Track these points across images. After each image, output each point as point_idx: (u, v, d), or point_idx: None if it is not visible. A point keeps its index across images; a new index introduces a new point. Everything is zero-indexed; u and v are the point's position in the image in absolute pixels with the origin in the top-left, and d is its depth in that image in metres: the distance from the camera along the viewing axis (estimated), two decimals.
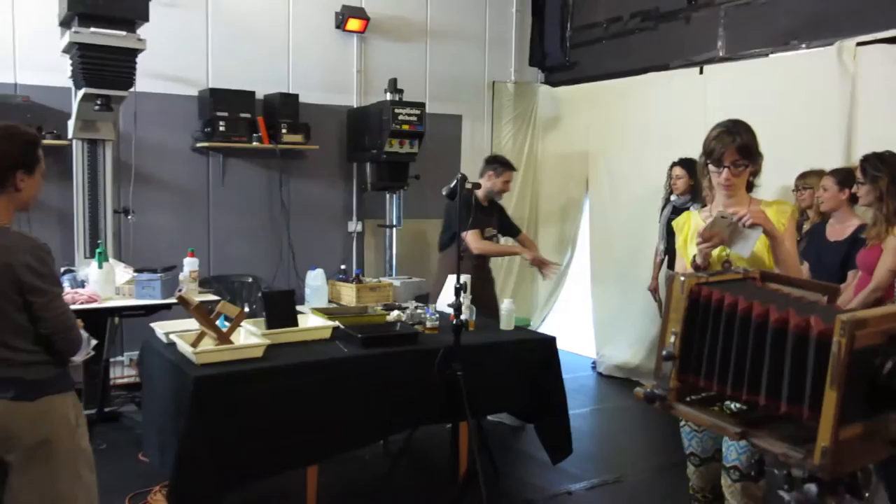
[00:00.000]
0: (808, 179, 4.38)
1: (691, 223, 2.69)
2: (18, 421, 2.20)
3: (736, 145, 2.46)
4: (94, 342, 2.48)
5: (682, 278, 1.54)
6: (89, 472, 2.39)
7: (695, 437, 2.66)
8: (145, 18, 4.12)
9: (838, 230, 3.73)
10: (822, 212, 3.94)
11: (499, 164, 4.89)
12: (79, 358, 2.39)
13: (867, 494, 1.35)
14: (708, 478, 2.64)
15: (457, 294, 3.59)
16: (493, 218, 4.96)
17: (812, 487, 1.39)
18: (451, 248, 4.66)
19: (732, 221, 2.30)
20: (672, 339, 1.55)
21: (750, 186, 2.58)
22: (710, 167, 2.53)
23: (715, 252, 2.42)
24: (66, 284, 4.12)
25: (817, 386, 1.32)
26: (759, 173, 2.57)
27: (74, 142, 4.55)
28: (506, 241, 5.41)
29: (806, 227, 4.42)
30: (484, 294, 4.67)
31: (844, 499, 1.38)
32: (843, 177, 3.68)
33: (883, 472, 3.00)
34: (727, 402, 1.62)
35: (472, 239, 4.67)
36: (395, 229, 6.18)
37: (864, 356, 1.28)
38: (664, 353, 1.55)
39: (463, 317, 3.59)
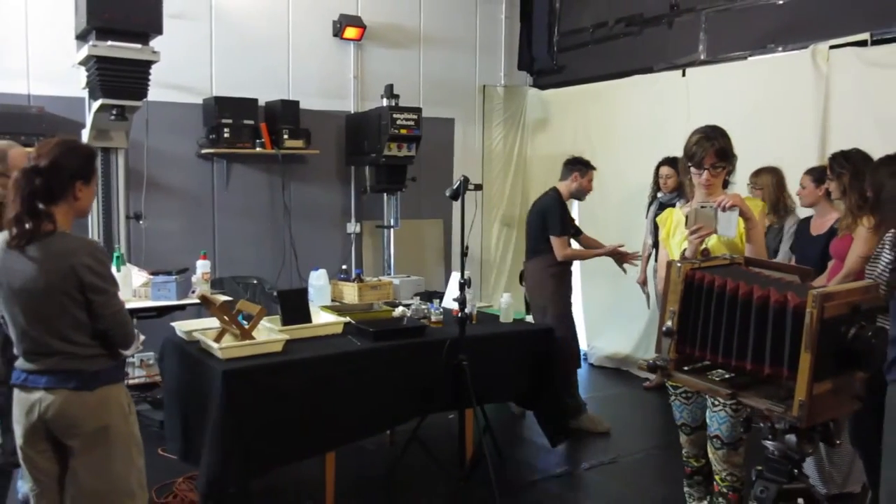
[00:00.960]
0: (759, 178, 4.55)
1: (673, 218, 3.02)
2: (80, 409, 2.38)
3: (714, 149, 2.77)
4: (142, 337, 2.66)
5: (679, 264, 1.79)
6: (139, 456, 2.57)
7: (685, 409, 2.96)
8: (159, 32, 4.31)
9: (819, 224, 3.95)
10: (803, 206, 4.17)
11: (582, 164, 5.05)
12: (131, 351, 2.57)
13: (838, 442, 1.60)
14: (699, 443, 2.95)
15: (461, 288, 3.84)
16: None
17: (792, 437, 1.64)
18: (540, 257, 4.92)
19: (713, 208, 2.60)
20: (671, 317, 1.79)
21: (726, 184, 2.90)
22: (692, 169, 2.83)
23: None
24: None
25: (794, 350, 1.57)
26: (733, 172, 2.90)
27: None
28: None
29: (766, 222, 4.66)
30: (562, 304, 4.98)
31: (819, 446, 1.62)
32: (819, 174, 3.92)
33: (858, 443, 3.25)
34: (717, 371, 1.87)
35: (558, 245, 4.83)
36: (392, 230, 6.39)
37: (832, 324, 1.53)
38: (664, 329, 1.80)
39: (467, 310, 3.83)
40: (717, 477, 2.85)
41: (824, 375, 1.55)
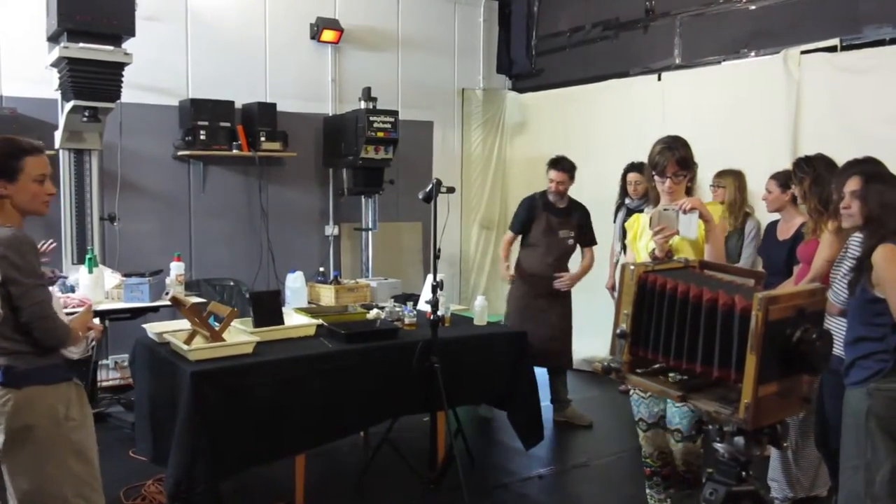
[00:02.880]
0: (722, 179, 4.65)
1: (640, 223, 3.17)
2: (4, 405, 2.35)
3: (675, 158, 2.95)
4: (92, 336, 2.61)
5: (632, 267, 1.81)
6: (82, 464, 2.50)
7: (642, 403, 3.11)
8: (131, 34, 4.30)
9: (785, 229, 3.99)
10: (769, 212, 4.22)
11: (547, 164, 5.11)
12: (75, 353, 2.51)
13: (785, 444, 1.62)
14: (655, 442, 3.11)
15: (433, 291, 3.84)
16: (570, 220, 5.04)
17: (740, 439, 1.66)
18: (523, 249, 5.05)
19: (675, 210, 2.78)
20: (624, 319, 1.81)
21: (689, 191, 3.05)
22: (656, 177, 3.02)
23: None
24: (56, 290, 4.28)
25: (741, 353, 1.59)
26: (695, 179, 3.07)
27: (61, 152, 4.70)
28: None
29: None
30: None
31: (767, 448, 1.64)
32: (785, 179, 3.96)
33: (824, 447, 3.29)
34: (671, 374, 1.89)
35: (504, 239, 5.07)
36: (370, 232, 6.39)
37: (777, 327, 1.56)
38: (618, 331, 1.82)
39: (440, 312, 3.84)
40: (678, 463, 3.05)
41: (770, 378, 1.57)
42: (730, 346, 1.62)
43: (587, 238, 5.10)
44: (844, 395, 2.54)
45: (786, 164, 4.86)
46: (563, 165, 4.95)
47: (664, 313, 1.76)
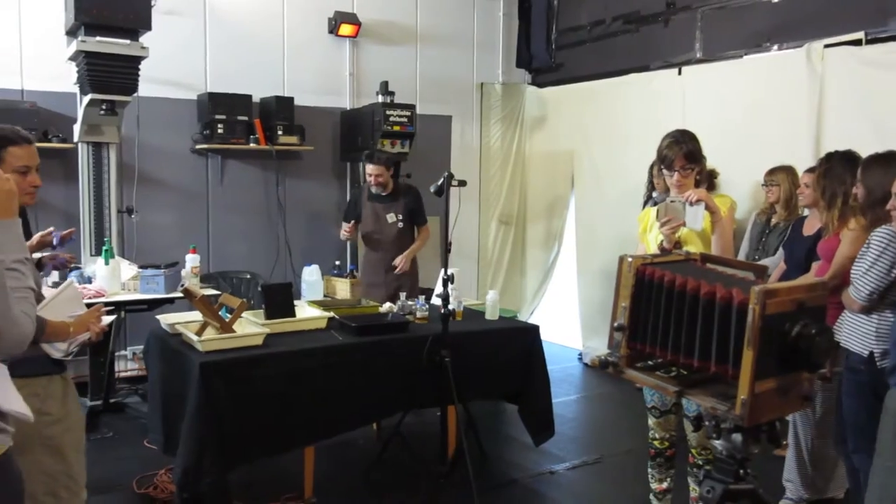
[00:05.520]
0: (775, 176, 4.60)
1: (650, 216, 3.19)
2: None
3: (683, 152, 2.98)
4: (82, 338, 2.41)
5: (630, 259, 1.77)
6: (54, 460, 2.40)
7: (656, 393, 3.13)
8: (148, 27, 4.33)
9: (812, 224, 3.91)
10: (803, 205, 4.14)
11: (363, 157, 5.09)
12: (57, 352, 2.36)
13: (784, 443, 1.58)
14: (666, 427, 3.19)
15: (444, 285, 3.83)
16: (397, 203, 4.99)
17: (737, 436, 1.63)
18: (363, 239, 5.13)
19: (681, 202, 2.82)
20: (622, 312, 1.78)
21: (697, 184, 3.06)
22: (664, 171, 3.07)
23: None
24: (74, 280, 4.33)
25: (739, 348, 1.56)
26: (703, 172, 3.09)
27: (80, 145, 4.76)
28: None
29: (773, 220, 4.66)
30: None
31: (765, 446, 1.61)
32: None
33: (841, 447, 3.21)
34: (671, 368, 1.86)
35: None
36: None
37: (775, 321, 1.52)
38: (615, 324, 1.79)
39: (450, 306, 3.82)
40: (693, 450, 3.07)
41: (768, 374, 1.53)
42: (727, 341, 1.59)
43: (419, 219, 5.08)
44: (887, 395, 2.49)
45: (808, 161, 4.78)
46: (378, 158, 4.89)
47: (662, 306, 1.73)
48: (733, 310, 1.57)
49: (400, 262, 4.94)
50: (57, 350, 2.37)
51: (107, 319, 2.54)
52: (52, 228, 3.48)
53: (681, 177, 2.99)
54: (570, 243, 7.03)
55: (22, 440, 2.25)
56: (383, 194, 4.96)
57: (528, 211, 7.44)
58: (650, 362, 1.84)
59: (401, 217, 4.98)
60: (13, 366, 2.22)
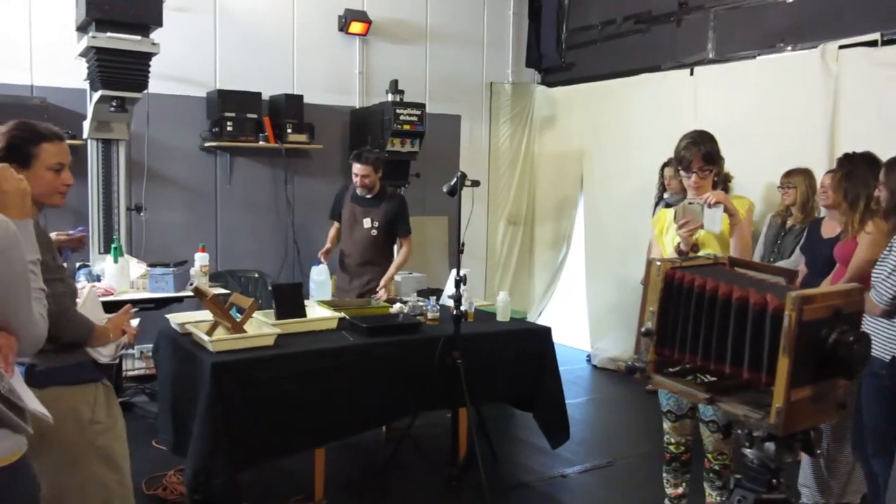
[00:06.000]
0: (792, 178, 4.56)
1: (666, 218, 3.16)
2: None
3: (701, 154, 2.94)
4: (123, 347, 2.42)
5: (658, 263, 1.73)
6: (109, 470, 2.33)
7: (672, 397, 3.12)
8: (159, 24, 4.30)
9: (831, 227, 3.87)
10: (824, 206, 4.10)
11: (351, 156, 4.78)
12: (104, 356, 2.33)
13: (819, 451, 1.54)
14: (682, 431, 3.16)
15: (456, 286, 3.79)
16: (377, 209, 4.73)
17: (770, 445, 1.59)
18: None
19: (700, 204, 2.80)
20: (650, 317, 1.74)
21: (715, 185, 3.03)
22: (681, 172, 3.02)
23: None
24: (81, 278, 4.31)
25: (773, 355, 1.52)
26: (721, 173, 3.09)
27: (89, 141, 4.73)
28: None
29: (789, 223, 4.62)
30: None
31: (799, 455, 1.57)
32: None
33: (861, 452, 3.18)
34: (699, 374, 1.82)
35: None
36: None
37: (812, 328, 1.48)
38: (643, 329, 1.75)
39: (462, 308, 3.78)
40: (709, 455, 3.07)
41: (803, 381, 1.49)
42: (761, 348, 1.55)
43: (401, 229, 4.80)
44: None
45: (822, 162, 4.75)
46: (366, 158, 4.62)
47: (692, 311, 1.69)
48: (767, 315, 1.53)
49: (382, 289, 4.66)
50: (102, 355, 2.32)
51: (135, 321, 2.50)
52: (81, 228, 3.45)
53: (698, 178, 2.95)
54: (579, 244, 6.99)
55: (76, 453, 2.25)
56: (367, 196, 4.72)
57: (536, 211, 7.41)
58: (678, 368, 1.80)
59: (377, 224, 4.69)
60: (62, 372, 2.24)
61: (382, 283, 4.73)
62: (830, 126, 4.85)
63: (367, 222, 4.71)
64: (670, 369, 1.82)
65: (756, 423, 1.54)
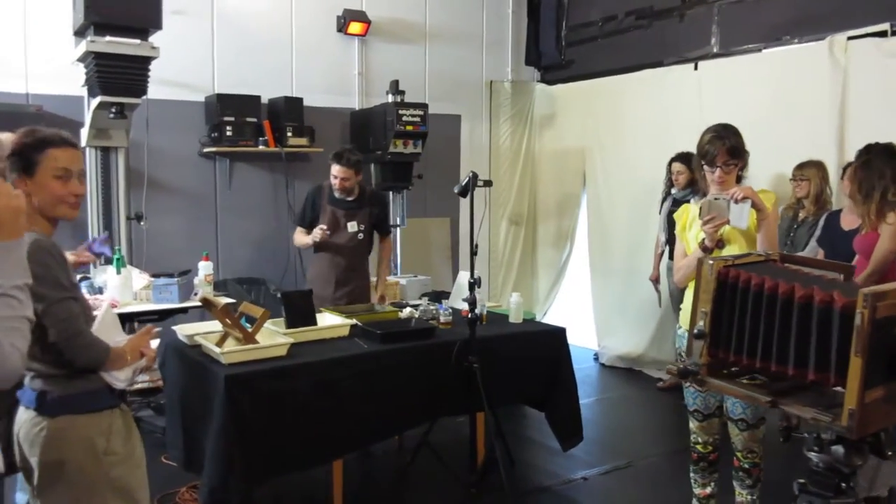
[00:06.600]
0: (805, 171, 4.52)
1: (689, 213, 3.10)
2: (36, 436, 2.08)
3: (726, 148, 2.88)
4: (141, 365, 2.26)
5: (711, 262, 1.66)
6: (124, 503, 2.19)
7: (699, 396, 3.07)
8: (158, 27, 4.21)
9: (851, 219, 3.81)
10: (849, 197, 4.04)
11: (330, 157, 4.50)
12: (121, 381, 2.18)
13: (890, 454, 1.47)
14: (709, 430, 3.13)
15: (471, 289, 3.72)
16: (362, 212, 4.54)
17: (839, 448, 1.52)
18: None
19: (726, 199, 2.74)
20: (702, 318, 1.66)
21: (739, 179, 2.98)
22: (705, 167, 2.94)
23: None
24: (84, 291, 4.20)
25: (842, 355, 1.45)
26: (746, 167, 2.99)
27: (88, 149, 4.62)
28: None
29: (801, 215, 4.57)
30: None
31: (868, 458, 1.50)
32: None
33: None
34: (750, 375, 1.75)
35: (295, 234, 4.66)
36: (399, 229, 6.27)
37: (884, 326, 1.40)
38: (695, 331, 1.67)
39: (477, 310, 3.71)
40: (738, 454, 3.03)
41: (876, 382, 1.42)
42: (828, 347, 1.47)
43: (384, 228, 4.72)
44: None
45: (831, 157, 4.70)
46: (346, 160, 4.37)
47: (748, 311, 1.61)
48: (834, 314, 1.46)
49: (381, 294, 4.59)
50: (117, 380, 2.17)
51: (155, 343, 2.38)
52: (86, 245, 3.34)
53: (723, 173, 2.89)
54: (583, 242, 6.93)
55: (89, 485, 2.10)
56: (349, 199, 4.49)
57: (538, 210, 7.34)
58: (732, 370, 1.72)
59: (363, 227, 4.52)
60: (75, 400, 2.09)
61: (380, 287, 4.65)
62: (839, 118, 4.79)
63: (352, 226, 4.50)
64: (723, 371, 1.74)
65: (827, 426, 1.46)
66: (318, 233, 4.37)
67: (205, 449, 3.11)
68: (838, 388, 1.48)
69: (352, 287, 4.55)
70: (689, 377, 1.67)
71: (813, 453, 1.55)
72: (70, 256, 3.01)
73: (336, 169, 4.41)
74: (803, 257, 1.97)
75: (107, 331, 2.22)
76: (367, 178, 6.20)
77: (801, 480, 1.58)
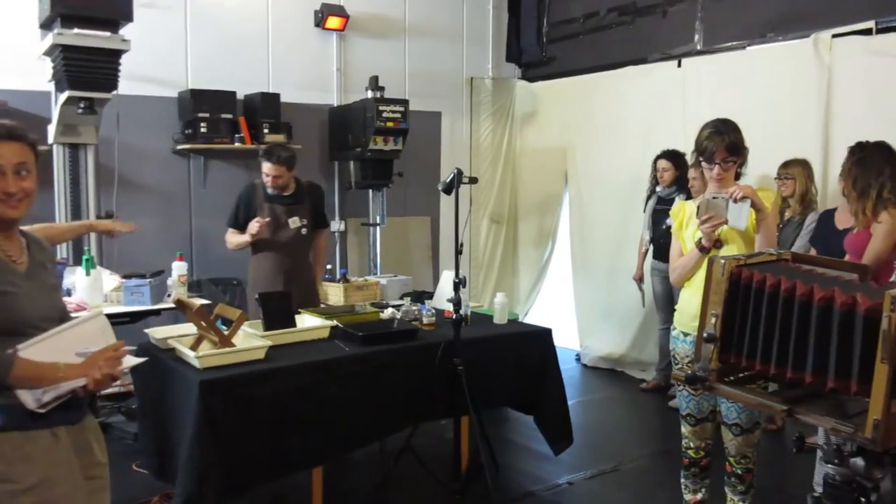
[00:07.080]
0: (790, 169, 4.47)
1: (686, 211, 3.01)
2: None
3: (725, 144, 2.79)
4: (77, 385, 1.92)
5: (723, 261, 1.57)
6: None
7: (692, 400, 2.99)
8: (129, 19, 4.04)
9: (846, 218, 3.75)
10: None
11: (261, 154, 4.37)
12: (30, 401, 1.87)
13: None
14: (701, 435, 3.04)
15: (456, 289, 3.61)
16: (302, 206, 4.42)
17: (859, 461, 1.43)
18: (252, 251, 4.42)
19: (725, 198, 2.65)
20: (713, 320, 1.57)
21: (738, 176, 2.92)
22: (703, 164, 2.85)
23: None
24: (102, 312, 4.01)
25: (865, 361, 1.36)
26: (745, 164, 2.92)
27: (55, 147, 4.43)
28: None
29: (787, 215, 4.51)
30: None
31: (889, 470, 1.41)
32: None
33: None
34: (762, 382, 1.66)
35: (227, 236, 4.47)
36: (378, 227, 6.14)
37: None
38: (705, 334, 1.58)
39: (461, 311, 3.60)
40: (731, 459, 2.96)
41: None
42: (849, 353, 1.38)
43: (324, 220, 4.62)
44: None
45: (816, 156, 4.66)
46: (277, 157, 4.22)
47: (763, 314, 1.52)
48: (858, 317, 1.37)
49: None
50: (28, 400, 1.87)
51: (132, 361, 2.09)
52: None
53: (721, 170, 2.80)
54: (565, 241, 6.85)
55: None
56: (286, 195, 4.35)
57: (519, 209, 7.25)
58: (740, 375, 1.63)
59: (305, 222, 4.38)
60: None
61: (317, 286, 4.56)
62: (825, 116, 4.76)
63: (293, 222, 4.35)
64: (731, 377, 1.65)
65: (848, 437, 1.37)
66: (254, 226, 4.19)
67: (178, 457, 2.97)
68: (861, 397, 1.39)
69: (301, 286, 4.35)
70: (697, 383, 1.57)
71: (829, 466, 1.45)
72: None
73: (267, 167, 4.25)
74: (816, 257, 1.89)
75: (77, 340, 1.97)
76: (344, 177, 6.10)
77: (816, 494, 1.48)
